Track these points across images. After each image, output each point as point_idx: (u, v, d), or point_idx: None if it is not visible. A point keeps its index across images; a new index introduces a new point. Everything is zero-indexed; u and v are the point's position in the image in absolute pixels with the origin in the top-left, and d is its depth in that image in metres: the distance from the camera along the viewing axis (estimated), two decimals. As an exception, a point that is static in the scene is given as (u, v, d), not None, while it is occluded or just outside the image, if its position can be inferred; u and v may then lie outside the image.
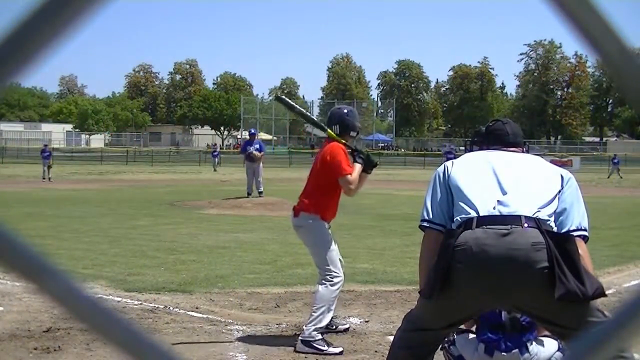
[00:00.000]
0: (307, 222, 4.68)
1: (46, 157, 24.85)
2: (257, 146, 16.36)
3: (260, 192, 16.19)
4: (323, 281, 4.60)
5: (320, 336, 4.54)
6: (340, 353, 4.52)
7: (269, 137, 66.36)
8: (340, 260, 4.80)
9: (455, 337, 3.22)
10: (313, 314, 4.57)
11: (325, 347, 4.49)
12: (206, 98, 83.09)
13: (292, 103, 4.99)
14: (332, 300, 4.58)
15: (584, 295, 2.35)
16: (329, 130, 4.78)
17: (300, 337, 4.58)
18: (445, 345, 3.25)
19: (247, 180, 16.53)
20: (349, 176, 4.55)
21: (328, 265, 4.60)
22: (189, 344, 4.62)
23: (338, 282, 4.60)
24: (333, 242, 4.70)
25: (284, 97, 4.99)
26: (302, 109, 5.02)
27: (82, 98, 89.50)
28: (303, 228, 4.74)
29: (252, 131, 17.47)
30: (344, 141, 4.71)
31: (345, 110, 4.92)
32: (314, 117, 5.17)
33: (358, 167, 4.66)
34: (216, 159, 36.29)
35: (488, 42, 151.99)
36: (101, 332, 0.45)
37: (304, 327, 4.63)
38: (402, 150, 68.40)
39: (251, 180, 16.31)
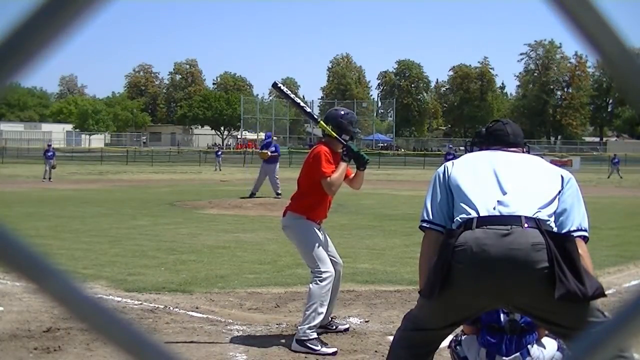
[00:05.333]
0: (293, 221, 4.73)
1: (50, 157, 24.31)
2: (273, 148, 16.49)
3: (278, 194, 15.93)
4: (314, 278, 4.62)
5: (314, 335, 4.55)
6: (334, 354, 4.50)
7: (269, 137, 66.29)
8: (333, 259, 4.78)
9: (462, 338, 3.22)
10: (305, 312, 4.59)
11: (319, 347, 4.49)
12: (206, 98, 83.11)
13: (288, 92, 4.88)
14: (324, 296, 4.58)
15: (584, 295, 2.35)
16: (320, 122, 4.79)
17: (295, 337, 4.59)
18: (452, 344, 3.25)
19: (256, 179, 16.52)
20: (328, 178, 4.58)
21: (316, 263, 4.62)
22: (189, 344, 4.62)
23: (327, 278, 4.60)
24: (320, 240, 4.70)
25: (280, 85, 4.89)
26: (296, 99, 4.92)
27: (82, 98, 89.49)
28: (289, 228, 4.80)
29: (269, 134, 17.93)
30: (335, 135, 4.69)
31: (342, 112, 4.90)
32: (310, 109, 5.13)
33: (342, 166, 4.66)
34: (219, 159, 36.47)
35: (488, 42, 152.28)
36: (101, 332, 0.45)
37: (298, 326, 4.64)
38: (402, 150, 68.36)
39: (261, 181, 16.30)
